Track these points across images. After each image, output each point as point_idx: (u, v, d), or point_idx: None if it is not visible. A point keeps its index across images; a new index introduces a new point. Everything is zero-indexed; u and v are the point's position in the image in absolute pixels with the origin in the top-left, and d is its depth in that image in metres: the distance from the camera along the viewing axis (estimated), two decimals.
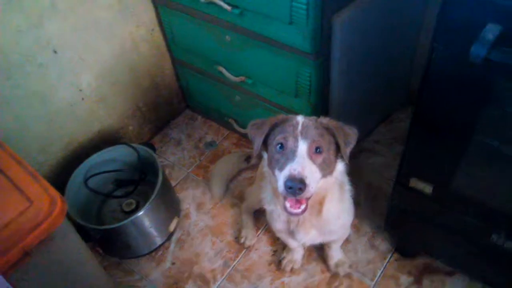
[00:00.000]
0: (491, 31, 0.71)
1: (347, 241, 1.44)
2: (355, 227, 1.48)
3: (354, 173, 1.16)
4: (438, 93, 0.91)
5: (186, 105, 2.00)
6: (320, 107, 1.39)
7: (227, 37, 1.42)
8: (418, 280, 1.36)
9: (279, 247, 1.48)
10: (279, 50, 1.30)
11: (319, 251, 1.44)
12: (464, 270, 1.31)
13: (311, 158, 0.91)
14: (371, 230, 1.49)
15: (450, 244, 1.22)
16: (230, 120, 1.78)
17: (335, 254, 1.38)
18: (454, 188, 1.06)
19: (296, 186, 0.87)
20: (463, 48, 0.75)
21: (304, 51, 1.23)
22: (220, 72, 1.55)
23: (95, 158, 1.53)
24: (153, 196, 1.38)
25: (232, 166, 1.69)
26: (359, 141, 1.02)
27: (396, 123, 1.81)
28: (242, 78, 1.50)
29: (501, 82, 0.82)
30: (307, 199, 0.94)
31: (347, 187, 1.15)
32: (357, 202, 1.42)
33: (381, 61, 1.49)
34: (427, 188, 1.09)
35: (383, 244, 1.45)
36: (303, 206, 0.94)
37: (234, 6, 1.28)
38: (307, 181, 0.88)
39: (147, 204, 1.37)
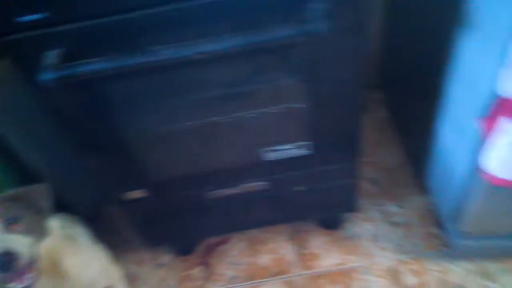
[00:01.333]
0: (49, 57, 0.82)
1: (136, 278, 1.46)
2: (136, 261, 1.51)
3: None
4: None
5: None
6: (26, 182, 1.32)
7: None
8: (208, 265, 1.47)
9: None
10: None
11: None
12: (230, 230, 1.49)
13: (7, 230, 0.88)
14: (149, 254, 1.53)
15: (199, 219, 1.35)
16: None
17: None
18: (157, 180, 1.18)
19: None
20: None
21: None
22: None
23: None
24: None
25: None
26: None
27: None
28: None
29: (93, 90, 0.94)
30: (29, 267, 0.90)
31: (83, 237, 1.15)
32: (126, 240, 1.48)
33: None
34: (140, 193, 1.19)
35: (164, 258, 1.51)
36: (28, 276, 0.89)
37: None
38: (10, 250, 0.85)
39: None
